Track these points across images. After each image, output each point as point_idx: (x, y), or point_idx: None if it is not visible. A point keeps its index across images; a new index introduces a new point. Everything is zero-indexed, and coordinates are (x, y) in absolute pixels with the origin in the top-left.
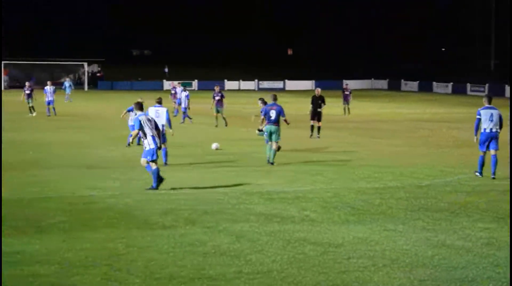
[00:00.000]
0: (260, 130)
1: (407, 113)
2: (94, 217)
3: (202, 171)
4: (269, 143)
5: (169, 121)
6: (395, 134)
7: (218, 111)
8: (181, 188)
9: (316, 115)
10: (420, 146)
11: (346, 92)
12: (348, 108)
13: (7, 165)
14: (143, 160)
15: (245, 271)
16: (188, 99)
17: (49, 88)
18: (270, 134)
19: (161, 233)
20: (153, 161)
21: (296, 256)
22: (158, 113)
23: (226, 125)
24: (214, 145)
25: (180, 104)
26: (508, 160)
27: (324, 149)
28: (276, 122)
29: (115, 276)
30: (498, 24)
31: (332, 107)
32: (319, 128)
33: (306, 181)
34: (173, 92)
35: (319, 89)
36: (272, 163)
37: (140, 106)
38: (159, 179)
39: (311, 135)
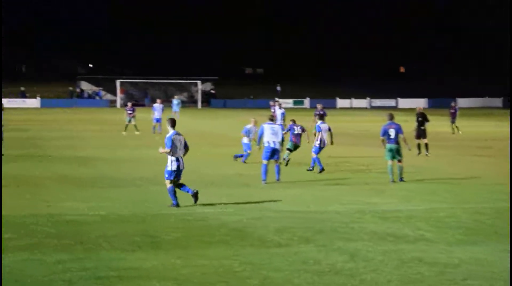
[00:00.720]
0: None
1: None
2: (208, 234)
3: (313, 188)
4: (391, 162)
5: (283, 138)
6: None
7: None
8: (293, 205)
9: (420, 133)
10: None
11: (452, 110)
12: (456, 126)
13: (124, 181)
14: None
15: None
16: (283, 117)
17: (158, 105)
18: (392, 152)
19: (276, 251)
20: (170, 181)
21: (412, 276)
22: (274, 130)
23: None
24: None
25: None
26: None
27: (436, 167)
28: (396, 141)
29: None
30: None
31: (439, 125)
32: (426, 145)
33: (419, 200)
34: (272, 110)
35: (420, 107)
36: (401, 180)
37: (173, 123)
38: (174, 198)
39: (419, 153)
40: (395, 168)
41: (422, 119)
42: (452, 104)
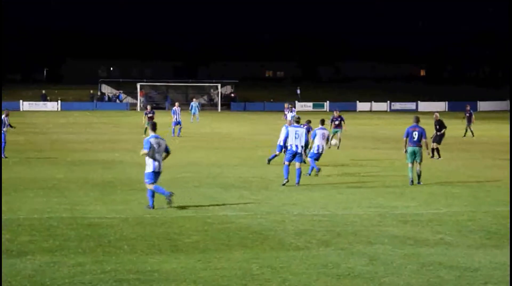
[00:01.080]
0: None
1: None
2: (228, 236)
3: (333, 191)
4: (411, 165)
5: (306, 143)
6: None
7: (335, 133)
8: (312, 208)
9: (435, 138)
10: None
11: (467, 114)
12: (470, 129)
13: (144, 185)
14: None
15: None
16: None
17: (177, 109)
18: (414, 155)
19: (295, 254)
20: (151, 183)
21: (431, 279)
22: (298, 134)
23: (338, 148)
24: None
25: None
26: None
27: (457, 171)
28: (419, 143)
29: None
30: None
31: (457, 129)
32: (437, 149)
33: (440, 203)
34: (286, 112)
35: (437, 114)
36: (419, 183)
37: (153, 126)
38: (152, 200)
39: (432, 156)
40: (414, 171)
41: (439, 126)
42: (467, 107)
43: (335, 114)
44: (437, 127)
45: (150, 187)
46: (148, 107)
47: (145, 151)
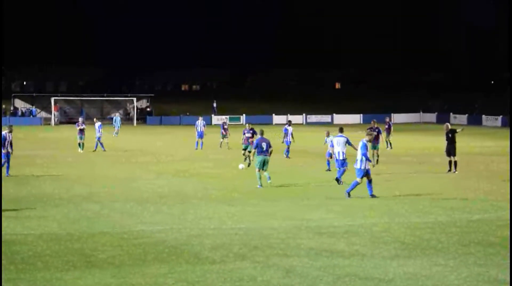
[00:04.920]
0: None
1: (458, 146)
2: (144, 251)
3: (249, 204)
4: (259, 171)
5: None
6: (446, 168)
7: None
8: (229, 222)
9: (450, 150)
10: (471, 179)
11: (386, 126)
12: (390, 142)
13: (60, 200)
14: None
15: None
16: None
17: (100, 124)
18: (263, 163)
19: (211, 268)
20: None
21: None
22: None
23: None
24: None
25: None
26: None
27: (375, 182)
28: (267, 153)
29: None
30: None
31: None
32: (455, 163)
33: (356, 215)
34: (226, 127)
35: (448, 124)
36: (261, 186)
37: None
38: None
39: (449, 170)
40: (262, 175)
41: (452, 136)
42: (387, 119)
43: (247, 126)
44: (450, 136)
45: None
46: (80, 119)
47: None
